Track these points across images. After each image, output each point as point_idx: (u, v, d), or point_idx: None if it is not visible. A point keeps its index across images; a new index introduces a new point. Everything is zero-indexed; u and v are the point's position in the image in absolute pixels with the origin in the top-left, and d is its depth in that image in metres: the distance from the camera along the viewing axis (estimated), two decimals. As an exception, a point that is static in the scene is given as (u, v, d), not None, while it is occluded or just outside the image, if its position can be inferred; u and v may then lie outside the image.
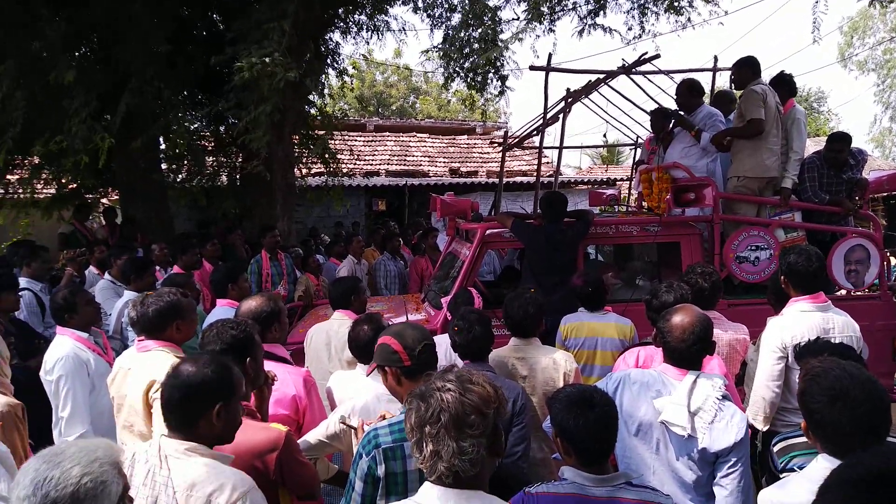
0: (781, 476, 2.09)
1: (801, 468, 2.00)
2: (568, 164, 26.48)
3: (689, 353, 2.27)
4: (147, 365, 2.67)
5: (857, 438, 1.57)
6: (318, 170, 11.12)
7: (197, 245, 5.89)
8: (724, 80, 6.67)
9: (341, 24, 9.67)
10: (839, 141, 5.05)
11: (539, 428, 2.75)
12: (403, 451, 1.89)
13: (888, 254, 5.33)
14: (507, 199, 11.40)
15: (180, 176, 8.84)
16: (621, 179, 14.28)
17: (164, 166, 8.50)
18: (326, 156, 9.67)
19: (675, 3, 9.06)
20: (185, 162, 8.53)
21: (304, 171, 10.45)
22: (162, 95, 6.64)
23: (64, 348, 3.12)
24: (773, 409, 2.98)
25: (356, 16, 9.74)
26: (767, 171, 4.84)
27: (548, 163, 14.43)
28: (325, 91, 10.85)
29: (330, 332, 3.64)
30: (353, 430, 2.29)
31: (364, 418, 2.34)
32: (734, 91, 5.75)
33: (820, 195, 4.89)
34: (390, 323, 2.71)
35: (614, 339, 3.63)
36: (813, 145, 10.85)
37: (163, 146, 8.27)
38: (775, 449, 2.14)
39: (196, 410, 1.75)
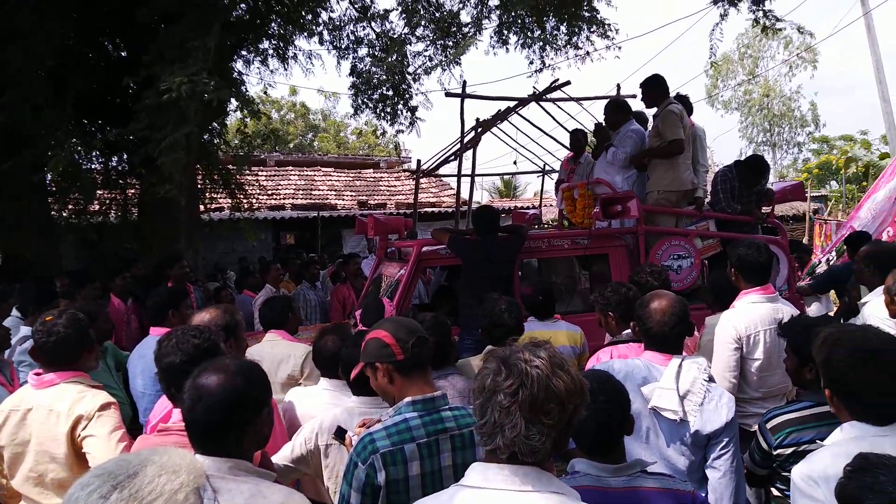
0: (775, 453, 2.09)
1: (800, 443, 2.01)
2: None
3: (671, 336, 2.26)
4: (59, 401, 2.30)
5: (894, 399, 1.50)
6: (219, 204, 10.59)
7: (101, 278, 5.30)
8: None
9: (245, 52, 9.36)
10: (762, 173, 5.23)
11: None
12: (404, 455, 1.71)
13: (794, 258, 5.73)
14: (420, 228, 11.38)
15: (64, 212, 8.06)
16: (524, 208, 14.70)
17: (49, 199, 7.71)
18: (234, 188, 9.21)
19: (574, 39, 9.62)
20: (74, 195, 7.77)
21: (208, 204, 9.90)
22: (42, 115, 5.94)
23: None
24: (731, 400, 3.04)
25: (261, 45, 9.47)
26: (684, 185, 5.09)
27: (452, 195, 14.61)
28: (229, 121, 10.40)
29: (262, 353, 3.36)
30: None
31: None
32: (645, 111, 6.05)
33: (733, 205, 5.19)
34: None
35: (566, 347, 3.59)
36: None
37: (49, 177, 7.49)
38: (768, 426, 2.13)
39: (240, 426, 1.51)
